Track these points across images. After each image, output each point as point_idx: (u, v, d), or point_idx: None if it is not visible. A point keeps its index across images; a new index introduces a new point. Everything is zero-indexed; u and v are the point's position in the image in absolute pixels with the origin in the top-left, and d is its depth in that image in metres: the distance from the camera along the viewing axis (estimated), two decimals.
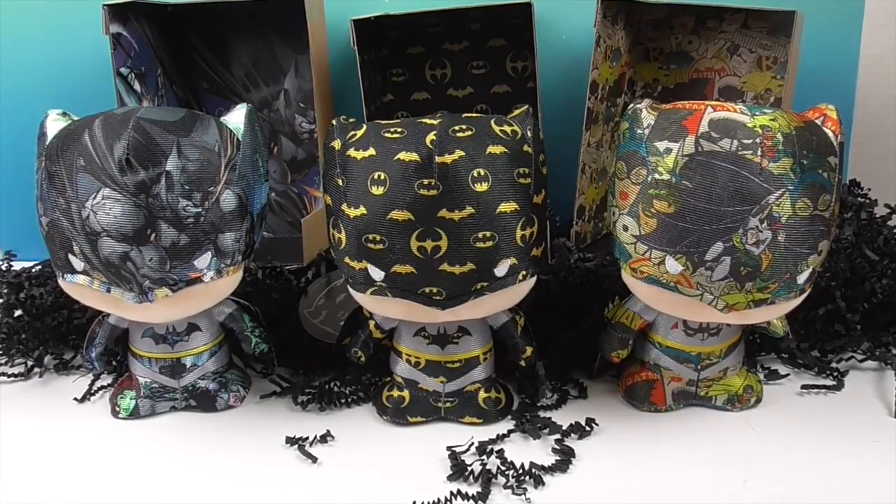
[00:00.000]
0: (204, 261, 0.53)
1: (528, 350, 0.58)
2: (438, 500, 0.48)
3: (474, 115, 0.53)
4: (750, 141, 0.48)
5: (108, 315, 0.59)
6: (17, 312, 0.72)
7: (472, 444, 0.53)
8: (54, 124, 0.53)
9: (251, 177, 0.55)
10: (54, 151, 0.51)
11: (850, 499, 0.48)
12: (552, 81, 0.84)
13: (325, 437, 0.55)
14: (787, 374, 0.63)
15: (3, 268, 0.81)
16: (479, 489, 0.49)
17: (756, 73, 0.82)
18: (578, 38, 0.86)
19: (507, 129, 0.52)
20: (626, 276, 0.54)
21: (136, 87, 0.80)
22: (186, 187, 0.51)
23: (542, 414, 0.57)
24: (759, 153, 0.48)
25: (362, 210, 0.50)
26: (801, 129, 0.49)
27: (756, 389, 0.59)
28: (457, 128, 0.50)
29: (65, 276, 0.53)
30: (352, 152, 0.51)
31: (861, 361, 0.65)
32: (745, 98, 0.82)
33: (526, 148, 0.52)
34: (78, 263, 0.52)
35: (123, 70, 0.77)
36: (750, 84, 0.82)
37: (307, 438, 0.55)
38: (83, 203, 0.50)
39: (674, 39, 0.85)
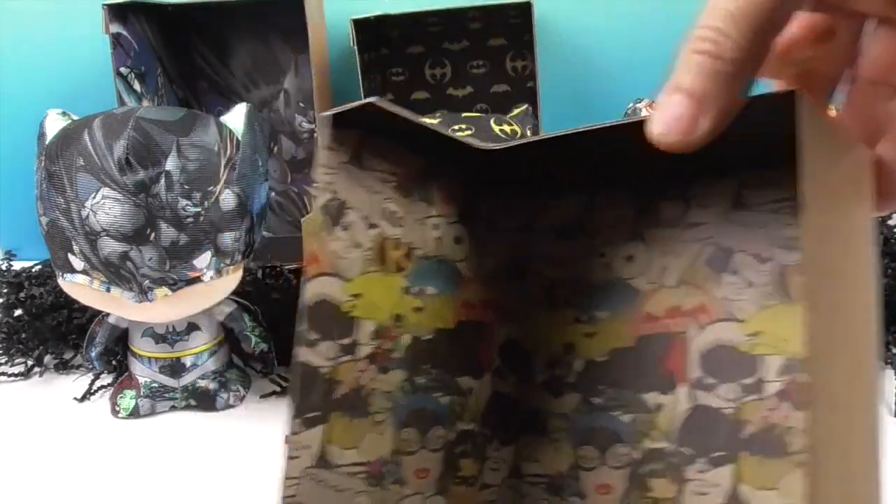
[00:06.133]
0: (204, 260, 0.53)
1: None
2: None
3: (474, 114, 0.54)
4: None
5: (108, 315, 0.59)
6: (17, 312, 0.72)
7: None
8: (54, 124, 0.53)
9: (251, 176, 0.55)
10: (54, 151, 0.51)
11: None
12: (552, 81, 0.84)
13: None
14: None
15: (3, 267, 0.81)
16: None
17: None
18: (578, 38, 0.86)
19: (507, 128, 0.52)
20: None
21: (136, 86, 0.80)
22: (186, 187, 0.51)
23: None
24: None
25: None
26: None
27: None
28: (456, 127, 0.51)
29: (64, 275, 0.53)
30: None
31: None
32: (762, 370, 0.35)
33: None
34: (78, 263, 0.52)
35: (123, 70, 0.77)
36: (769, 335, 0.33)
37: None
38: (83, 203, 0.50)
39: (597, 257, 0.38)
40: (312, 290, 0.30)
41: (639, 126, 0.26)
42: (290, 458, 0.30)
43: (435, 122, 0.51)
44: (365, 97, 0.78)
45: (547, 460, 0.37)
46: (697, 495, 0.32)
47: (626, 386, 0.35)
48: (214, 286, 0.54)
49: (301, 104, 0.91)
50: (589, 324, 0.36)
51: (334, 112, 0.29)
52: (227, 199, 0.53)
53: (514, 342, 0.38)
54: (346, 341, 0.32)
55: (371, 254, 0.32)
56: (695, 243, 0.33)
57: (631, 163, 0.32)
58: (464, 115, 0.53)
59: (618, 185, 0.35)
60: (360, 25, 0.76)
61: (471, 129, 0.50)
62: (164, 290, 0.52)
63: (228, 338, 0.62)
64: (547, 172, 0.35)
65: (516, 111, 0.54)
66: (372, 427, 0.33)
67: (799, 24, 0.27)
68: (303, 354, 0.30)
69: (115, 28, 0.75)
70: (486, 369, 0.37)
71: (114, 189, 0.49)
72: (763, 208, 0.31)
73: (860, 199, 0.26)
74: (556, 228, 0.37)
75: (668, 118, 0.24)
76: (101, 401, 0.62)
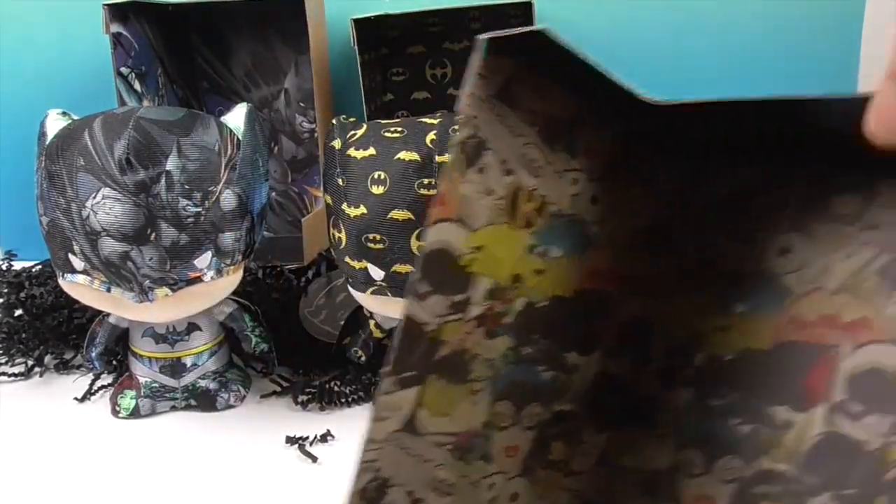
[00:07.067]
0: (204, 260, 0.53)
1: None
2: None
3: None
4: None
5: (109, 315, 0.59)
6: (18, 312, 0.72)
7: None
8: (54, 124, 0.53)
9: (251, 176, 0.55)
10: (54, 151, 0.51)
11: None
12: None
13: (325, 437, 0.55)
14: None
15: (4, 267, 0.81)
16: None
17: None
18: (578, 38, 0.85)
19: None
20: None
21: (137, 86, 0.79)
22: (186, 187, 0.51)
23: None
24: None
25: (362, 209, 0.50)
26: None
27: None
28: (456, 127, 0.50)
29: (65, 275, 0.53)
30: (352, 152, 0.51)
31: None
32: None
33: None
34: (78, 263, 0.52)
35: (124, 70, 0.77)
36: None
37: (307, 438, 0.55)
38: (83, 203, 0.50)
39: (748, 242, 0.35)
40: (434, 237, 0.27)
41: (831, 104, 0.23)
42: (377, 419, 0.27)
43: (435, 121, 0.51)
44: (365, 97, 0.78)
45: (645, 455, 0.33)
46: None
47: (753, 393, 0.31)
48: (215, 286, 0.54)
49: (301, 104, 0.91)
50: (724, 315, 0.32)
51: (490, 36, 0.26)
52: (228, 199, 0.53)
53: (637, 320, 0.34)
54: (458, 298, 0.28)
55: (503, 203, 0.29)
56: (869, 247, 0.29)
57: (810, 143, 0.28)
58: None
59: (790, 165, 0.31)
60: (361, 25, 0.76)
61: None
62: (165, 290, 0.52)
63: (229, 338, 0.62)
64: (713, 134, 0.31)
65: None
66: (468, 395, 0.30)
67: None
68: (410, 307, 0.27)
69: (116, 28, 0.75)
70: (599, 346, 0.33)
71: (114, 189, 0.49)
72: None
73: None
74: (711, 205, 0.33)
75: (886, 114, 0.19)
76: (102, 401, 0.62)
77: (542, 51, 0.26)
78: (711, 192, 0.33)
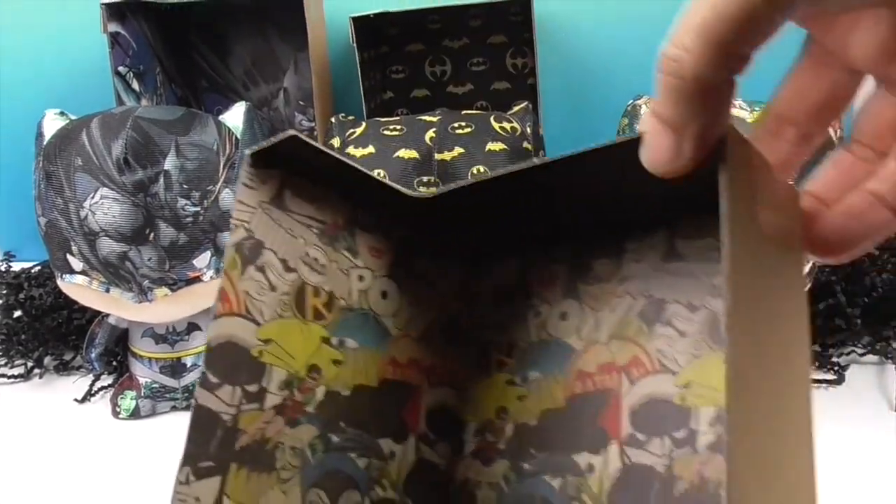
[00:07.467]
0: (203, 260, 0.53)
1: None
2: None
3: (474, 111, 0.53)
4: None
5: (108, 315, 0.59)
6: (17, 313, 0.72)
7: None
8: (52, 124, 0.53)
9: None
10: (52, 151, 0.51)
11: (851, 493, 0.48)
12: (552, 78, 0.84)
13: None
14: None
15: (3, 268, 0.81)
16: None
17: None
18: (578, 35, 0.85)
19: (507, 125, 0.51)
20: None
21: (135, 85, 0.79)
22: (185, 186, 0.51)
23: None
24: None
25: None
26: None
27: None
28: (456, 125, 0.50)
29: (63, 276, 0.53)
30: (351, 150, 0.51)
31: (861, 356, 0.64)
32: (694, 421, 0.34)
33: (525, 145, 0.52)
34: (77, 263, 0.52)
35: (122, 69, 0.77)
36: (699, 385, 0.31)
37: None
38: (81, 203, 0.50)
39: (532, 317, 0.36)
40: (218, 331, 0.28)
41: (571, 163, 0.25)
42: None
43: (434, 119, 0.51)
44: (364, 95, 0.78)
45: None
46: None
47: (557, 448, 0.33)
48: (214, 286, 0.54)
49: (301, 102, 0.90)
50: (522, 386, 0.34)
51: (256, 149, 0.28)
52: (227, 198, 0.53)
53: (444, 408, 0.35)
54: (252, 388, 0.29)
55: (288, 298, 0.30)
56: (627, 297, 0.32)
57: (566, 218, 0.32)
58: (463, 112, 0.53)
59: (554, 243, 0.34)
60: (360, 23, 0.76)
61: (471, 127, 0.50)
62: (164, 290, 0.52)
63: None
64: (486, 232, 0.34)
65: (516, 108, 0.54)
66: (276, 484, 0.30)
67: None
68: (200, 397, 0.28)
69: (114, 27, 0.75)
70: (411, 433, 0.35)
71: (112, 189, 0.49)
72: (695, 257, 0.30)
73: (789, 244, 0.24)
74: (494, 291, 0.36)
75: (650, 147, 0.22)
76: (102, 402, 0.62)
77: (305, 158, 0.28)
78: (491, 281, 0.36)
